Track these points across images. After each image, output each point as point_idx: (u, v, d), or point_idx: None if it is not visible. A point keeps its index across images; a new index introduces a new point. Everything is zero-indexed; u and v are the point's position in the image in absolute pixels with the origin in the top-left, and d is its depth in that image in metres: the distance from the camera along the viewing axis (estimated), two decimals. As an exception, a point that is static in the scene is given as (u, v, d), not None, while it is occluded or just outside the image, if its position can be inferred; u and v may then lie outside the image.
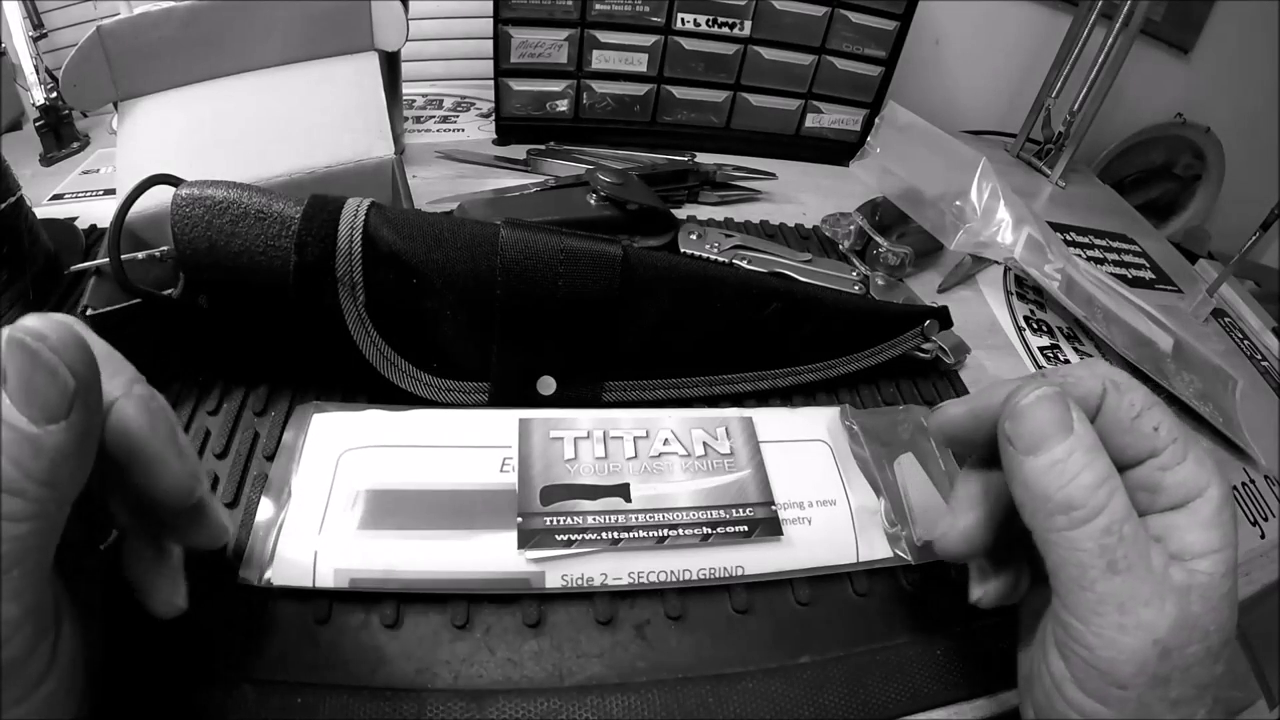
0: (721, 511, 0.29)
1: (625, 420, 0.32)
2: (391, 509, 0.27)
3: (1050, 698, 0.21)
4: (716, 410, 0.34)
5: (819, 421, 0.34)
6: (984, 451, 0.25)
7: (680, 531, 0.28)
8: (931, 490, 0.31)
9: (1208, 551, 0.20)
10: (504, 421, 0.31)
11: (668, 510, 0.28)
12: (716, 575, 0.28)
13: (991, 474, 0.24)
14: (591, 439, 0.31)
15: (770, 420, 0.33)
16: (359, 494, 0.27)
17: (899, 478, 0.32)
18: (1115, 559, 0.19)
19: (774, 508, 0.29)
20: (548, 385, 0.33)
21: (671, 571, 0.27)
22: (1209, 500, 0.20)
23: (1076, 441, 0.20)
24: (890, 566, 0.29)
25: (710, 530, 0.28)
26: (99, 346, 0.19)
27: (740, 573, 0.28)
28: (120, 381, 0.19)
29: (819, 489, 0.31)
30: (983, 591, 0.25)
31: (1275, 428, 0.45)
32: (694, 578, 0.27)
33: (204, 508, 0.21)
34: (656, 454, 0.30)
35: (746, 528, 0.28)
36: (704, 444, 0.31)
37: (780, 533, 0.29)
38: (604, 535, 0.27)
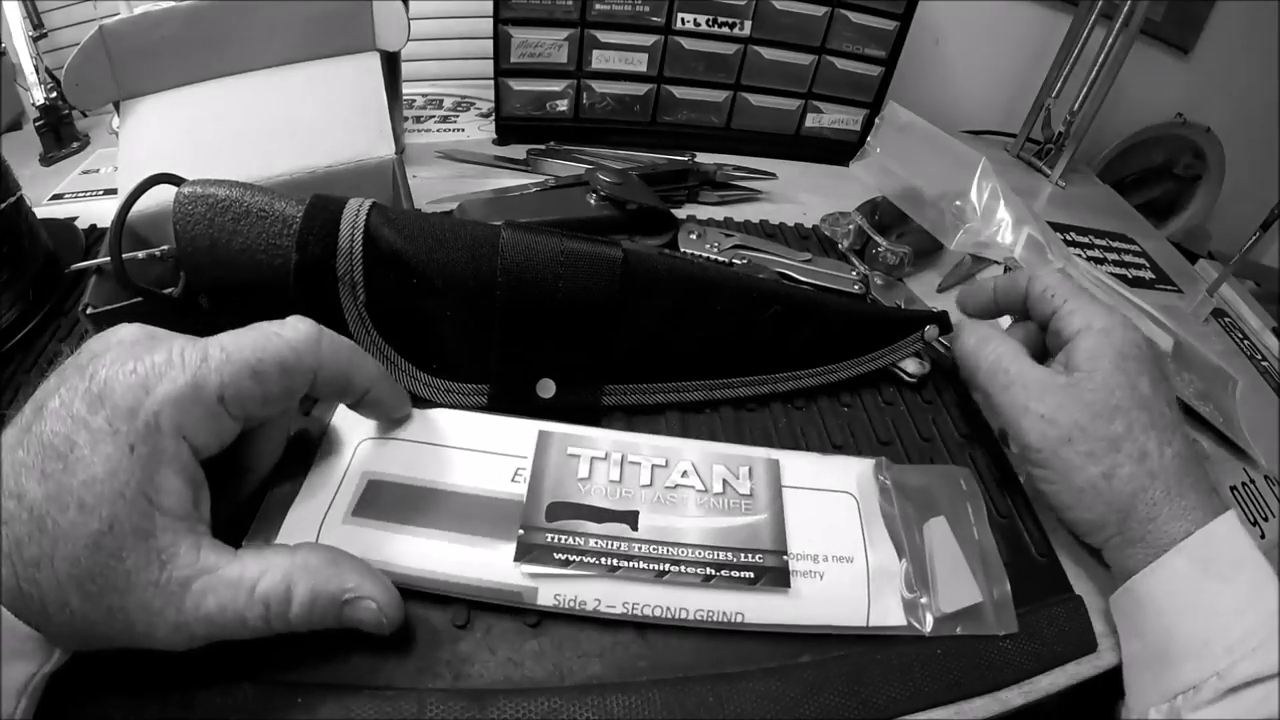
0: (729, 554, 0.28)
1: (646, 446, 0.31)
2: (397, 502, 0.27)
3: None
4: (743, 448, 0.32)
5: (850, 472, 0.32)
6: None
7: (682, 568, 0.27)
8: (960, 560, 0.29)
9: (1086, 360, 0.31)
10: (524, 431, 0.30)
11: (673, 545, 0.27)
12: (714, 619, 0.26)
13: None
14: (609, 460, 0.30)
15: (798, 465, 0.31)
16: (366, 483, 0.27)
17: (927, 542, 0.30)
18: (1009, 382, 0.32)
19: (785, 557, 0.28)
20: (547, 388, 0.33)
21: (667, 607, 0.26)
22: (1089, 331, 0.32)
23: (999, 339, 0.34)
24: (901, 635, 0.28)
25: (714, 571, 0.27)
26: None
27: (739, 619, 0.27)
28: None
29: (838, 543, 0.29)
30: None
31: (1275, 428, 0.45)
32: (690, 617, 0.26)
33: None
34: (672, 485, 0.29)
35: (752, 574, 0.27)
36: (724, 481, 0.30)
37: (788, 584, 0.27)
38: (603, 560, 0.27)
